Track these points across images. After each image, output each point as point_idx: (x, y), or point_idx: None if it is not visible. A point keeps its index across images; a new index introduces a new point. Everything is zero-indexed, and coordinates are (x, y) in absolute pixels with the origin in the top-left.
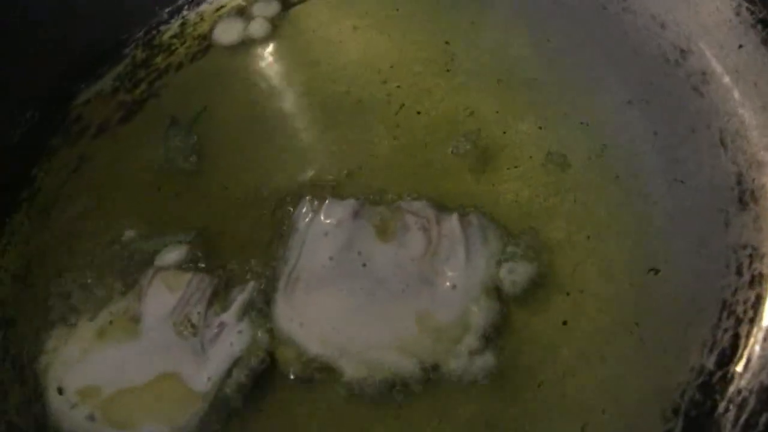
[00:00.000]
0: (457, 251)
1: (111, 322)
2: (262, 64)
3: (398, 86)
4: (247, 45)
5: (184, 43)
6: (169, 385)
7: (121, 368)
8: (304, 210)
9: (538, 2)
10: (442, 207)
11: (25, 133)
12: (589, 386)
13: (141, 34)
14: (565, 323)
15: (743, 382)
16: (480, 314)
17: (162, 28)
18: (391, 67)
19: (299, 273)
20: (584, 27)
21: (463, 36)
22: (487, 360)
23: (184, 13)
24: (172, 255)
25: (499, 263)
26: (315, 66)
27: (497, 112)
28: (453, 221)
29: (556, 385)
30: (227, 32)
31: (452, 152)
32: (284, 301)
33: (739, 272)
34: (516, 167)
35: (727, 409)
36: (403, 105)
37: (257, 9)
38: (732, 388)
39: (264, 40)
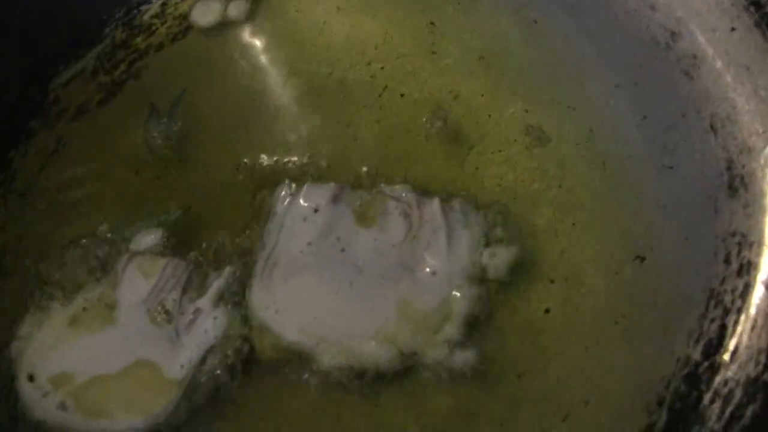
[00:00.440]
0: (438, 237)
1: (85, 309)
2: (244, 44)
3: (382, 68)
4: (227, 26)
5: (165, 23)
6: (143, 372)
7: (94, 356)
8: (283, 194)
9: None
10: (424, 191)
11: (1, 116)
12: (572, 377)
13: (121, 14)
14: (547, 311)
15: (729, 374)
16: (461, 302)
17: (143, 7)
18: (376, 48)
19: (277, 258)
20: (572, 8)
21: (448, 17)
22: (467, 349)
23: None
24: (148, 239)
25: (481, 250)
26: (298, 47)
27: (482, 95)
28: (434, 206)
29: (538, 376)
30: (205, 14)
31: (436, 135)
32: (261, 287)
33: (727, 261)
34: (500, 151)
35: (712, 401)
36: (387, 87)
37: None
38: (718, 380)
39: (245, 21)
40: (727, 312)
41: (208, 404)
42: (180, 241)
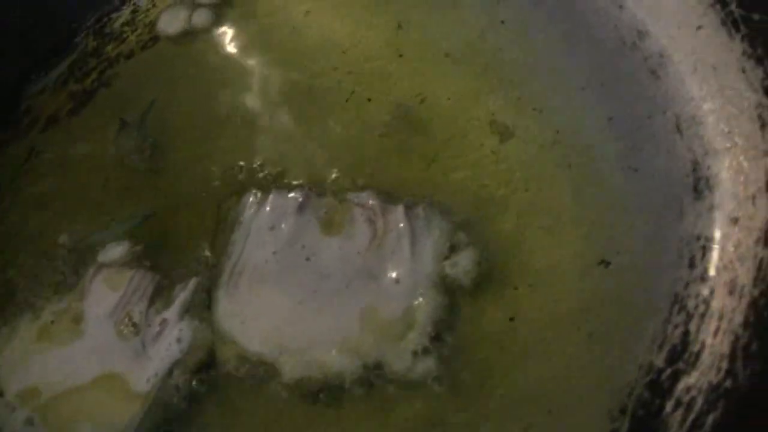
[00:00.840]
0: (402, 245)
1: (53, 322)
2: (212, 52)
3: (350, 72)
4: (194, 34)
5: (135, 30)
6: (110, 386)
7: (61, 369)
8: (249, 202)
9: None
10: (391, 197)
11: None
12: (535, 385)
13: (92, 21)
14: (512, 319)
15: (692, 381)
16: (425, 310)
17: (113, 15)
18: (343, 52)
19: (242, 268)
20: (539, 8)
21: (415, 19)
22: (431, 359)
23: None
24: (116, 251)
25: (446, 257)
26: (266, 53)
27: (449, 98)
28: (399, 213)
29: (501, 384)
30: (172, 22)
31: (403, 140)
32: (226, 297)
33: (691, 265)
34: (467, 156)
35: (674, 409)
36: (354, 92)
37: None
38: (680, 387)
39: (212, 27)
40: (690, 317)
41: (175, 416)
42: (147, 252)
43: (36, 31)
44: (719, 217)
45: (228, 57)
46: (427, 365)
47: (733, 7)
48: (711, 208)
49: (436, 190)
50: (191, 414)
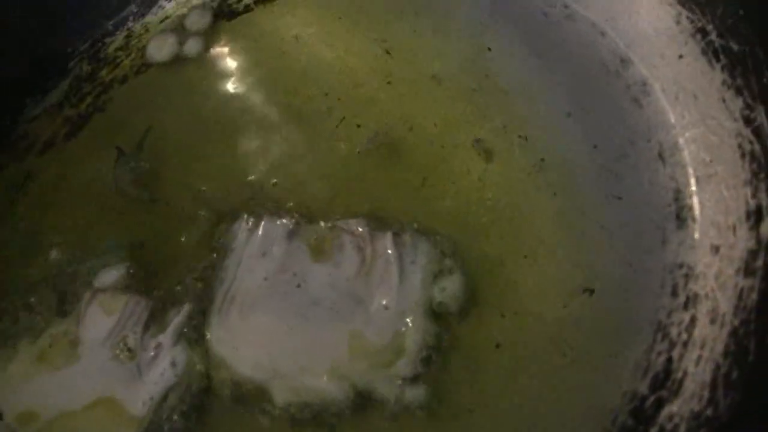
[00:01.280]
0: (390, 271)
1: (50, 346)
2: (204, 77)
3: (339, 99)
4: (184, 60)
5: (129, 55)
6: (106, 409)
7: (59, 393)
8: (240, 229)
9: (480, 10)
10: (379, 224)
11: None
12: (520, 410)
13: (87, 46)
14: (498, 346)
15: (675, 408)
16: (414, 336)
17: (107, 40)
18: (333, 78)
19: (234, 294)
20: (525, 35)
21: (404, 46)
22: (419, 385)
23: (129, 24)
24: (111, 276)
25: (433, 283)
26: (257, 78)
27: (435, 125)
28: (387, 240)
29: (487, 411)
30: (160, 49)
31: (390, 167)
32: (219, 323)
33: (674, 293)
34: (453, 183)
35: None
36: (344, 118)
37: (190, 21)
38: (664, 414)
39: (202, 53)
40: (673, 345)
41: None
42: (142, 277)
43: (31, 56)
44: (701, 246)
45: (219, 82)
46: (415, 392)
47: (713, 36)
48: (693, 237)
49: (423, 216)
50: None
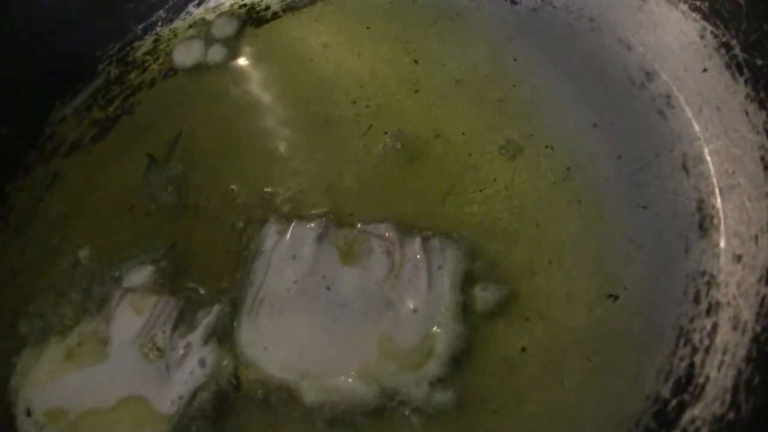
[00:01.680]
0: (419, 275)
1: (80, 344)
2: (232, 82)
3: (367, 106)
4: (210, 66)
5: (157, 59)
6: (134, 407)
7: (87, 390)
8: (270, 232)
9: (506, 21)
10: (407, 229)
11: None
12: (545, 412)
13: (115, 50)
14: (524, 349)
15: (696, 412)
16: (442, 339)
17: (136, 44)
18: (361, 86)
19: (264, 296)
20: (552, 47)
21: (431, 55)
22: (447, 387)
23: (158, 29)
24: (141, 276)
25: (461, 288)
26: (285, 84)
27: (463, 133)
28: (416, 245)
29: (513, 411)
30: (186, 55)
31: (418, 174)
32: (248, 324)
33: (696, 300)
34: (481, 190)
35: None
36: (372, 126)
37: (217, 27)
38: (686, 418)
39: (229, 58)
40: (695, 350)
41: None
42: (171, 278)
43: (60, 59)
44: (723, 255)
45: (246, 88)
46: (443, 393)
47: (737, 51)
48: (715, 246)
49: (451, 222)
50: None
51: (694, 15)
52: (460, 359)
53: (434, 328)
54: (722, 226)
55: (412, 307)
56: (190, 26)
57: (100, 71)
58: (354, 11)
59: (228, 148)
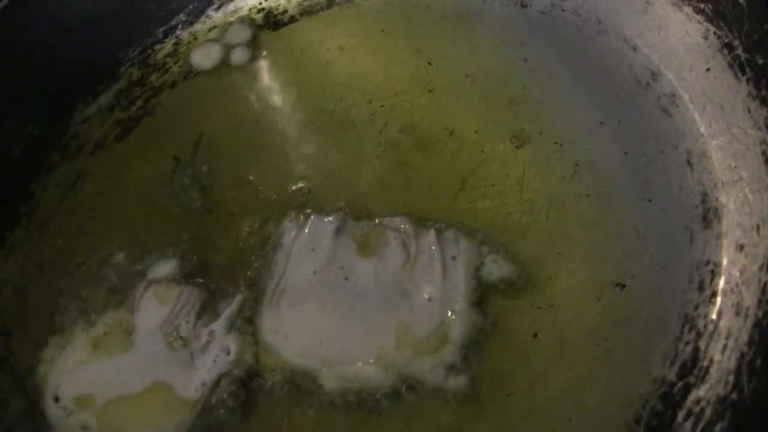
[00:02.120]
0: (433, 265)
1: (105, 333)
2: (251, 84)
3: (382, 106)
4: (230, 67)
5: (177, 62)
6: (160, 394)
7: (114, 378)
8: (289, 225)
9: (517, 23)
10: (421, 223)
11: (25, 149)
12: (556, 395)
13: (136, 53)
14: (535, 336)
15: (701, 393)
16: (456, 326)
17: (156, 47)
18: (376, 87)
19: (284, 286)
20: (560, 49)
21: (444, 56)
22: (461, 372)
23: (178, 32)
24: (164, 268)
25: (473, 278)
26: (302, 86)
27: (476, 131)
28: (430, 237)
29: (525, 395)
30: (204, 58)
31: (432, 170)
32: (270, 313)
33: (701, 288)
34: (493, 186)
35: (685, 419)
36: (387, 124)
37: (236, 31)
38: (691, 399)
39: (248, 61)
40: (700, 336)
41: (222, 424)
42: (194, 270)
43: (84, 61)
44: (726, 245)
45: (266, 88)
46: (458, 378)
47: (739, 51)
48: (719, 236)
49: (464, 216)
50: (236, 422)
51: (697, 17)
52: (474, 346)
53: (449, 316)
54: (725, 218)
55: (427, 296)
56: (210, 30)
57: (122, 73)
58: (369, 15)
59: (247, 147)
